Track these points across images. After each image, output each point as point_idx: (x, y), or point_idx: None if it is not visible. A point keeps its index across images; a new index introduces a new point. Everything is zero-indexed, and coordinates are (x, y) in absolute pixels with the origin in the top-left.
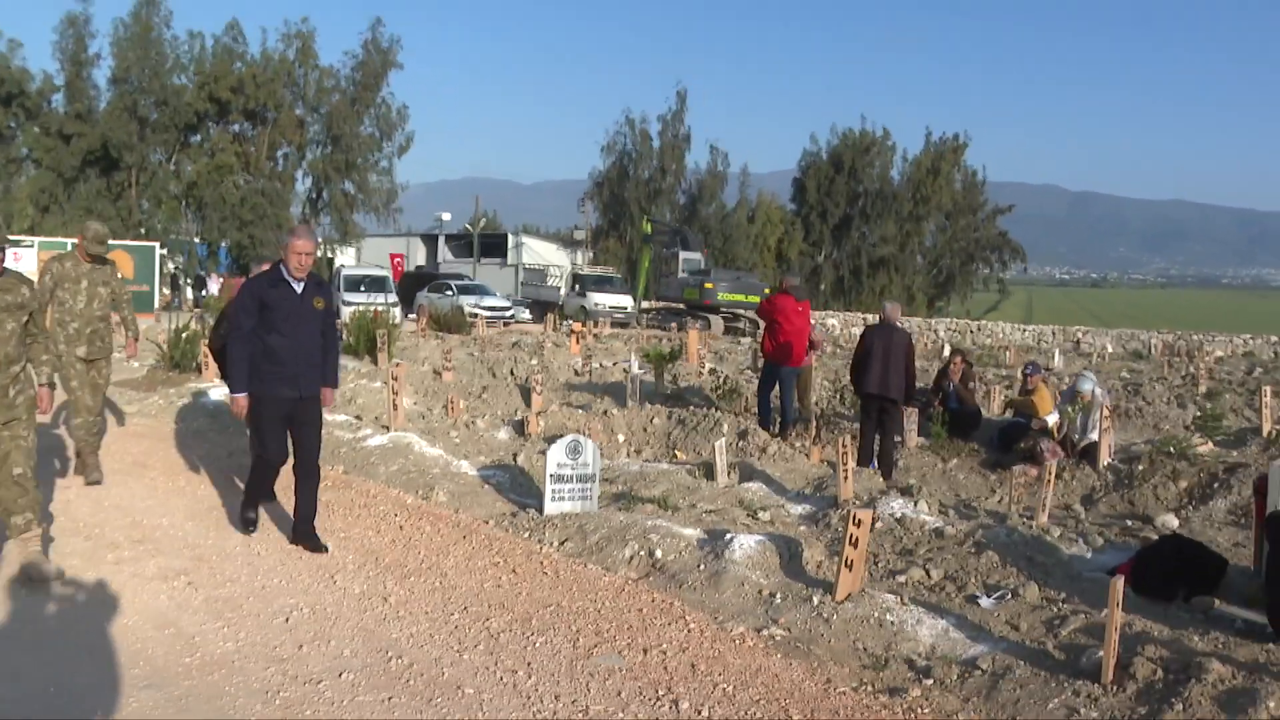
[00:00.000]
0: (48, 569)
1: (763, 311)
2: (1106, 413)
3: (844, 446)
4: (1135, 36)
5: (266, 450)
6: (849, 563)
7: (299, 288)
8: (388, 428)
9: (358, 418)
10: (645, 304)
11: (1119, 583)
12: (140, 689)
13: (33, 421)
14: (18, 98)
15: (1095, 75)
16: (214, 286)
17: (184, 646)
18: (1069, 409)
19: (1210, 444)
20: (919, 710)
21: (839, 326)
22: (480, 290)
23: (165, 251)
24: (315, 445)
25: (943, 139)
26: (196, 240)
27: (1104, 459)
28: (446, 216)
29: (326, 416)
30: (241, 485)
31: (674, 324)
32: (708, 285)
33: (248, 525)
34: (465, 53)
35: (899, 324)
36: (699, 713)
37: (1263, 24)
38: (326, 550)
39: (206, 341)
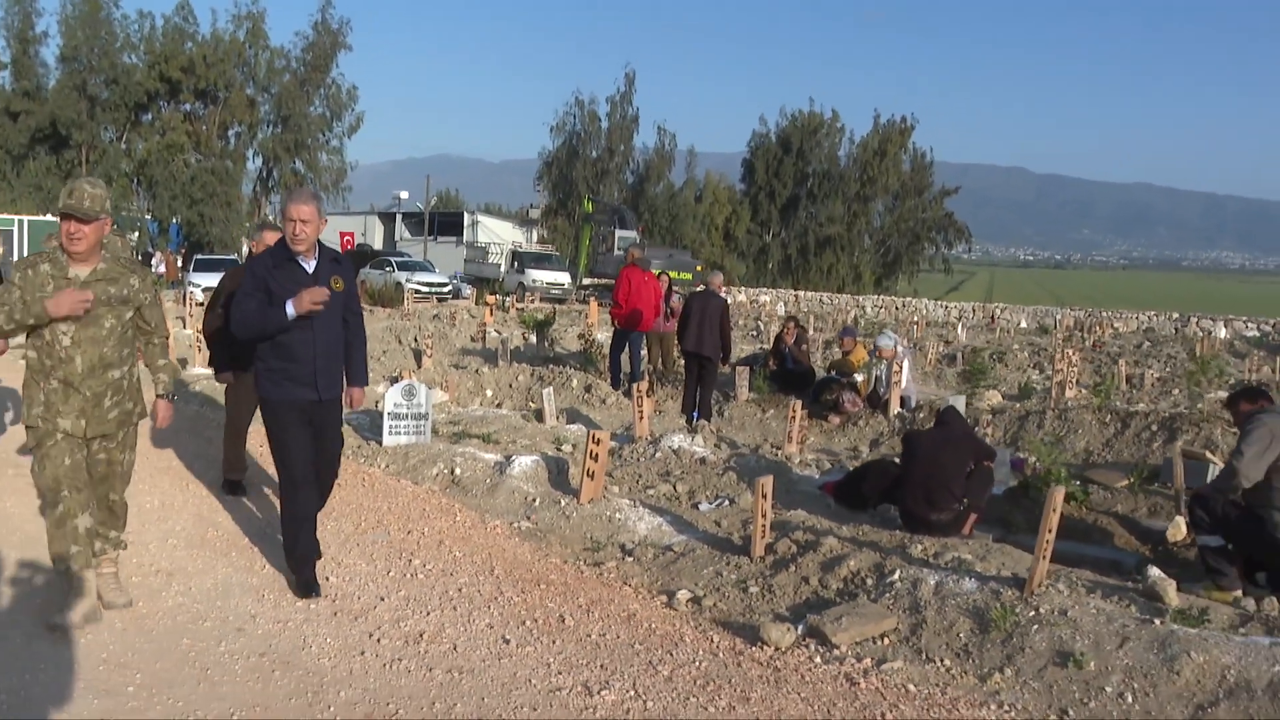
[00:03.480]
0: (120, 595)
1: (616, 283)
2: (898, 368)
3: (639, 392)
4: (1103, 19)
5: (291, 468)
6: (590, 473)
7: (310, 266)
8: None
9: None
10: (588, 280)
11: (767, 482)
12: None
13: (131, 440)
14: None
15: (1064, 56)
16: (159, 264)
17: None
18: (876, 364)
19: (999, 396)
20: (607, 575)
21: (783, 308)
22: (420, 267)
23: (116, 229)
24: (334, 458)
25: (890, 121)
26: (148, 217)
27: (894, 408)
28: (404, 195)
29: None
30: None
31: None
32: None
33: (308, 590)
34: (430, 31)
35: (720, 292)
36: (424, 566)
37: (1230, 7)
38: (315, 592)
39: (200, 325)
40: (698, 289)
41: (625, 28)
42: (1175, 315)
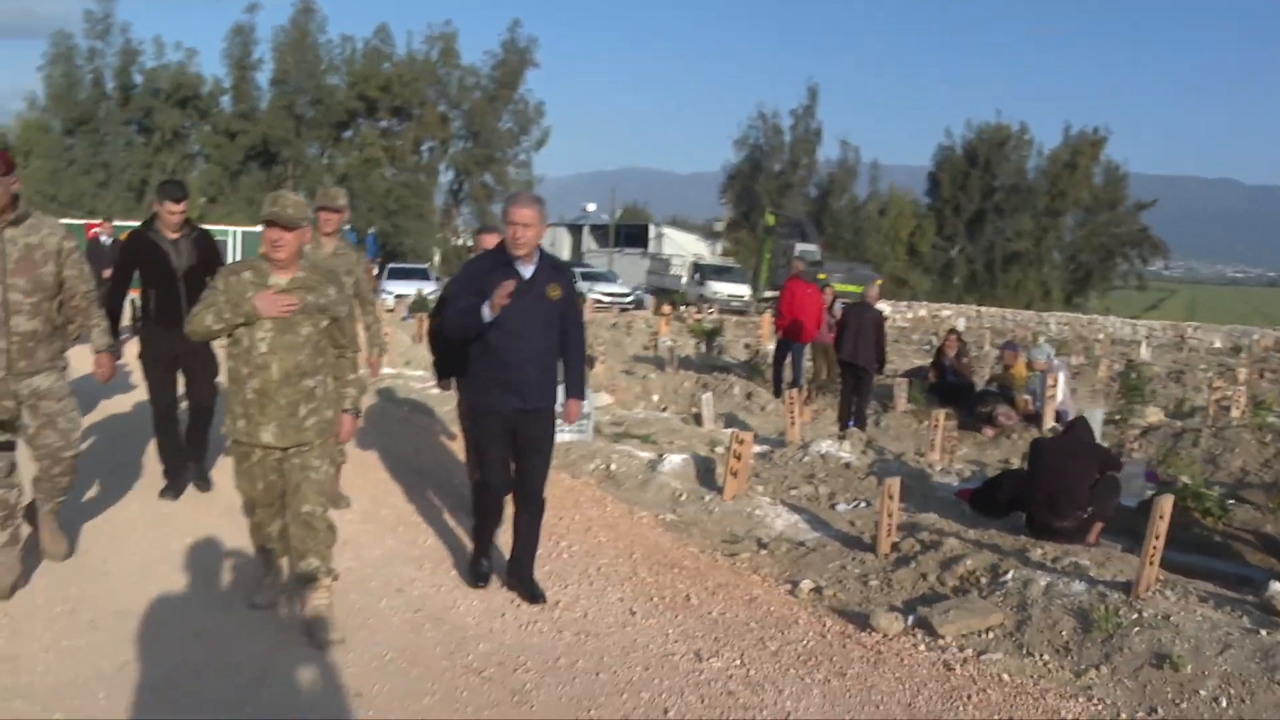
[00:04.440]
0: (331, 632)
1: (779, 295)
2: (1052, 381)
3: (791, 398)
4: None
5: (486, 475)
6: (734, 472)
7: (528, 272)
8: None
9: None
10: (769, 293)
11: (894, 483)
12: None
13: (328, 450)
14: (192, 100)
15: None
16: None
17: None
18: (1032, 378)
19: (1161, 414)
20: (739, 564)
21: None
22: (603, 278)
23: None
24: (541, 471)
25: (1082, 132)
26: (347, 228)
27: (1048, 422)
28: (591, 207)
29: (408, 374)
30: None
31: None
32: (820, 276)
33: (478, 579)
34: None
35: (874, 304)
36: (569, 548)
37: None
38: (544, 600)
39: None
40: (856, 302)
41: (809, 41)
42: None
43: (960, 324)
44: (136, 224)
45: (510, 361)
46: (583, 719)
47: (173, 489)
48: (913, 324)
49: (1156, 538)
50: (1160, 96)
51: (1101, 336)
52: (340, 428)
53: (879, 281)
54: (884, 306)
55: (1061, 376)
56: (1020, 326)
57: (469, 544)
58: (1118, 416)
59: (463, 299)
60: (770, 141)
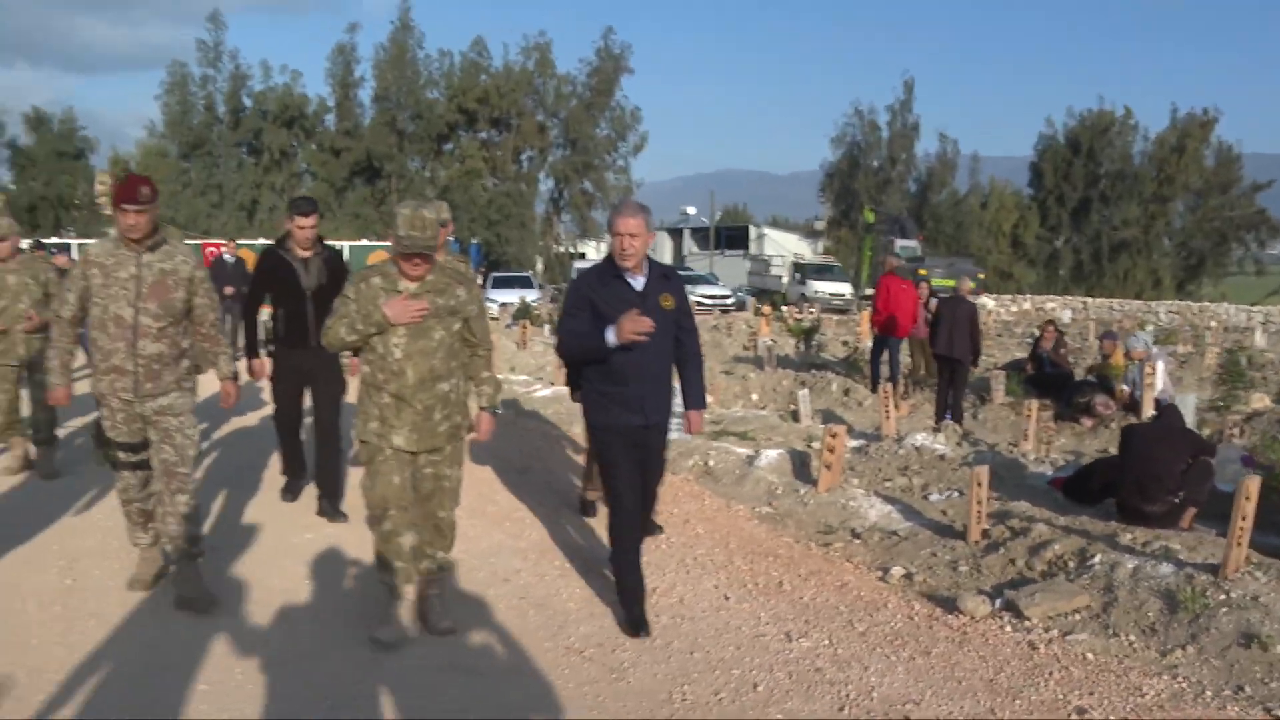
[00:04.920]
0: (444, 619)
1: (875, 291)
2: (1150, 370)
3: (885, 392)
4: None
5: (619, 497)
6: (828, 464)
7: (639, 283)
8: (553, 383)
9: (529, 377)
10: (869, 290)
11: (982, 471)
12: None
13: (460, 455)
14: (298, 120)
15: None
16: None
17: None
18: (1130, 367)
19: (1267, 400)
20: (833, 553)
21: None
22: (703, 280)
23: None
24: (656, 484)
25: (1190, 114)
26: (450, 239)
27: (1147, 410)
28: (691, 210)
29: (513, 378)
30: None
31: None
32: (920, 272)
33: (637, 628)
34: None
35: (967, 298)
36: (667, 539)
37: None
38: (648, 632)
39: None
40: (949, 296)
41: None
42: None
43: (1065, 316)
44: (257, 242)
45: (629, 377)
46: (675, 693)
47: (291, 491)
48: (1016, 317)
49: (1243, 519)
50: (1277, 70)
51: (1214, 324)
52: (479, 425)
53: (981, 275)
54: (987, 300)
55: (1160, 365)
56: (1127, 316)
57: (577, 539)
58: (1220, 403)
59: (577, 318)
60: (868, 138)
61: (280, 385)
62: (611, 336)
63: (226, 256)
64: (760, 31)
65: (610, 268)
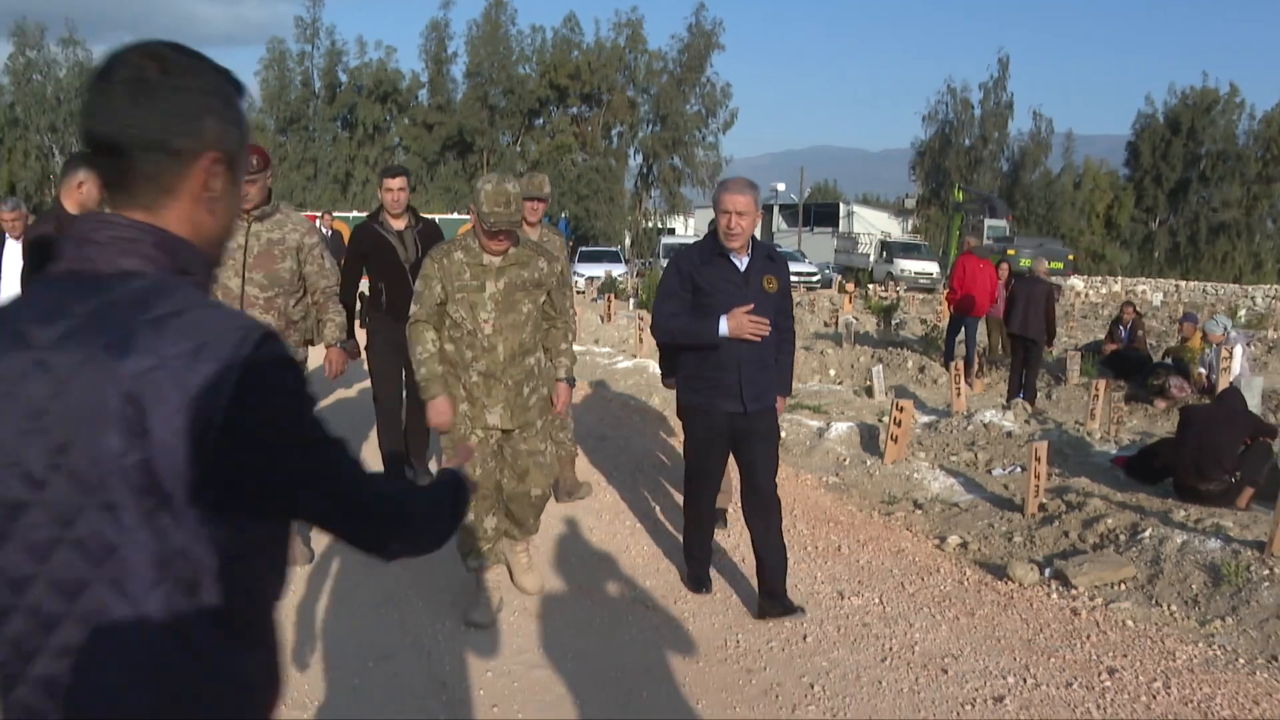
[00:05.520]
0: (534, 584)
1: (951, 270)
2: (1226, 354)
3: (956, 369)
4: None
5: (698, 481)
6: (894, 437)
7: (743, 264)
8: (634, 355)
9: (612, 349)
10: None
11: (1041, 447)
12: None
13: (548, 430)
14: (391, 95)
15: None
16: None
17: None
18: (1208, 350)
19: None
20: (893, 522)
21: (1161, 298)
22: (790, 258)
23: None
24: (768, 466)
25: None
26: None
27: None
28: (781, 187)
29: (595, 350)
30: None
31: None
32: (1010, 252)
33: (699, 585)
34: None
35: (1042, 278)
36: (734, 506)
37: None
38: (803, 611)
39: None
40: (1025, 275)
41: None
42: None
43: (1156, 299)
44: (350, 215)
45: (726, 362)
46: (730, 640)
47: (390, 475)
48: (1105, 299)
49: None
50: None
51: None
52: (557, 397)
53: (1071, 256)
54: (1076, 281)
55: (1239, 349)
56: (1221, 300)
57: (649, 501)
58: None
59: (676, 298)
60: (960, 116)
61: (379, 362)
62: (725, 329)
63: (321, 229)
64: (857, 6)
65: (713, 245)
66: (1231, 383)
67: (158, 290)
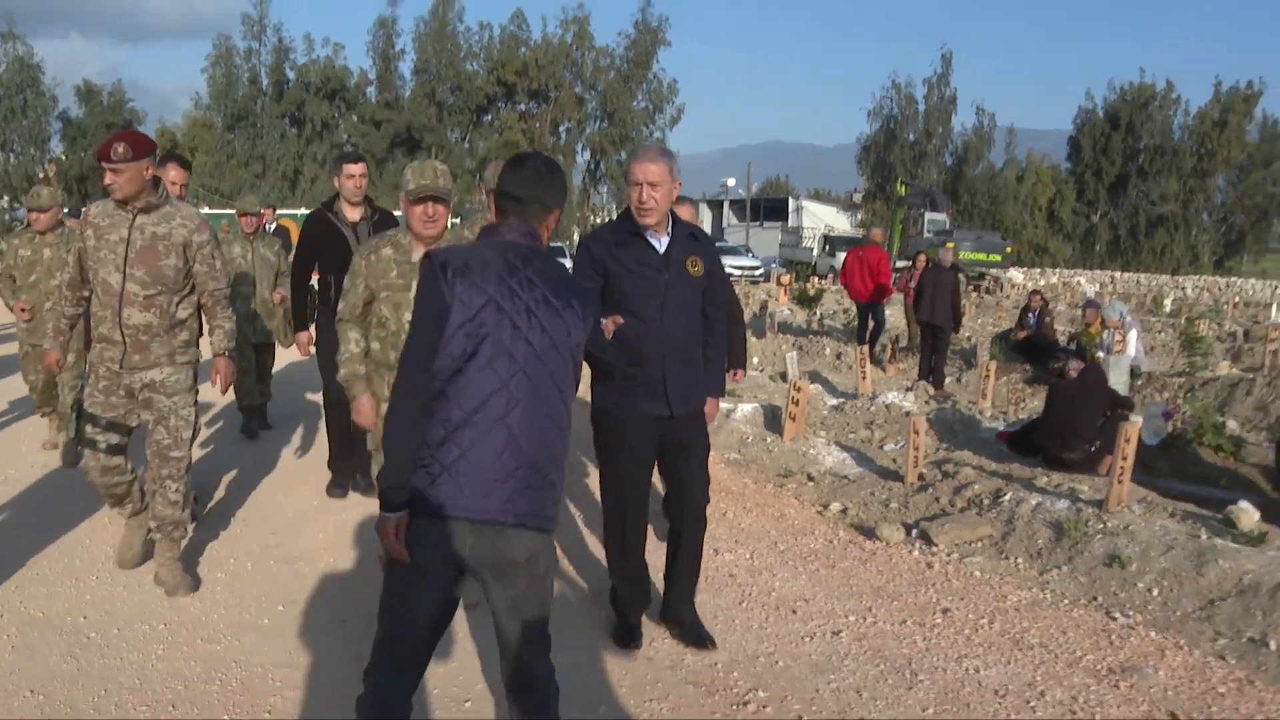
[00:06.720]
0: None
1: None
2: (1119, 338)
3: (861, 354)
4: None
5: (619, 494)
6: (792, 416)
7: (661, 244)
8: None
9: None
10: (901, 263)
11: (920, 421)
12: None
13: None
14: (339, 92)
15: None
16: None
17: None
18: (1105, 334)
19: (1229, 367)
20: (784, 493)
21: (1096, 289)
22: (733, 251)
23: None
24: (700, 482)
25: (1233, 88)
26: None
27: (1110, 376)
28: (731, 182)
29: None
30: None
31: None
32: (949, 245)
33: (629, 636)
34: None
35: (947, 267)
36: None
37: None
38: (713, 644)
39: None
40: (931, 264)
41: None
42: None
43: (1092, 290)
44: (298, 212)
45: (647, 357)
46: (604, 590)
47: (339, 486)
48: (1045, 290)
49: (1124, 459)
50: None
51: (1238, 299)
52: None
53: (1010, 249)
54: (1015, 273)
55: (1133, 334)
56: (1151, 292)
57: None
58: (1185, 371)
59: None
60: (904, 111)
61: (328, 358)
62: (607, 325)
63: (267, 225)
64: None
65: (627, 224)
66: (1133, 366)
67: None
